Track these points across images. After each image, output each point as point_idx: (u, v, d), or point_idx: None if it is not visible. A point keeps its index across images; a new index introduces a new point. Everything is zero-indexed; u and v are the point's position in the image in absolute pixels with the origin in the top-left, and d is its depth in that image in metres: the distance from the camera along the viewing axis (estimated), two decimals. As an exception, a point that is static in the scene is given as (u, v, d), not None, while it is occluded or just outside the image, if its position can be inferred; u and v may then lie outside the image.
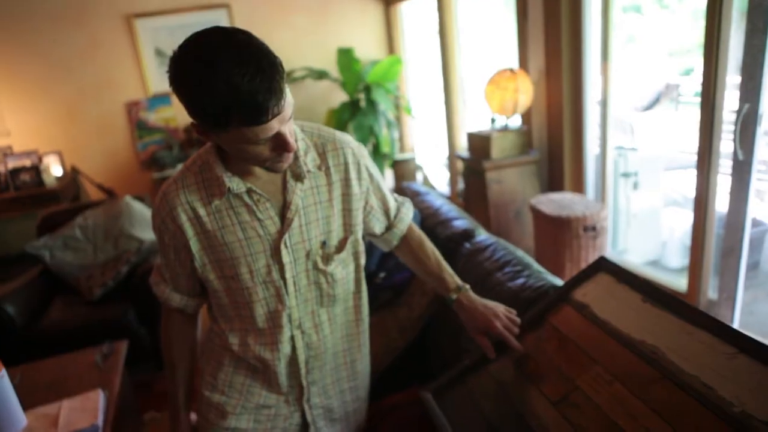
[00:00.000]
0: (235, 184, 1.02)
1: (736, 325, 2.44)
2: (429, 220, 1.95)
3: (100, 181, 4.47)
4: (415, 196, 2.22)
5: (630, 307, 1.08)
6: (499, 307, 1.19)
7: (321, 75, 4.64)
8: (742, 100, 2.21)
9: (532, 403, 1.04)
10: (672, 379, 0.90)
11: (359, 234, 1.18)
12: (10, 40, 4.26)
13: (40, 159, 4.27)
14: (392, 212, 1.26)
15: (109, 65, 4.53)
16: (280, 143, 0.92)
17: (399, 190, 2.46)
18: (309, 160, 1.07)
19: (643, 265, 3.19)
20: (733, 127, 2.23)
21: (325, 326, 1.18)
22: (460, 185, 3.89)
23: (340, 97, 4.80)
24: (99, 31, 4.43)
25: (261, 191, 1.05)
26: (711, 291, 2.55)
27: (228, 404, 1.17)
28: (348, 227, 1.14)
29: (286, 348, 1.14)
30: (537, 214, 2.77)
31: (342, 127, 4.49)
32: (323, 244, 1.11)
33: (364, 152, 1.17)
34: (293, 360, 1.16)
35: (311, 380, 1.20)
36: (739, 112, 2.22)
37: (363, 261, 1.23)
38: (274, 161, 0.96)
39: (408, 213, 1.29)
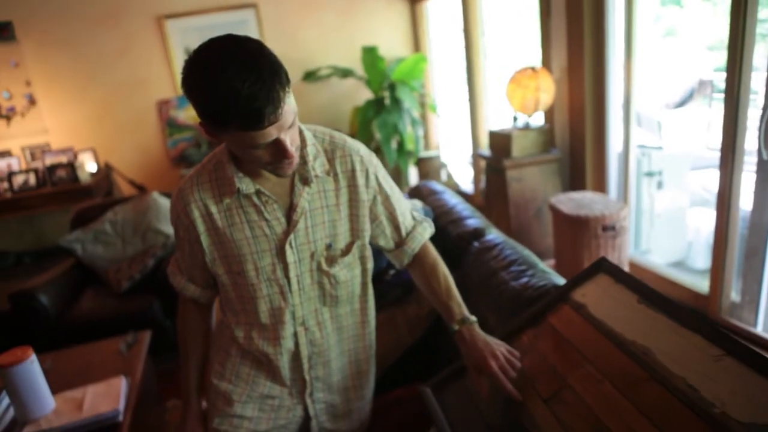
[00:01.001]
0: (244, 185, 1.07)
1: (759, 329, 2.39)
2: (442, 218, 1.97)
3: (132, 177, 4.62)
4: (430, 195, 2.25)
5: (625, 307, 1.09)
6: (500, 347, 1.12)
7: (346, 73, 4.69)
8: (768, 97, 2.16)
9: (525, 399, 1.06)
10: (660, 380, 0.91)
11: (366, 239, 1.21)
12: (50, 42, 4.44)
13: (75, 156, 4.44)
14: (404, 229, 1.26)
15: (141, 65, 4.68)
16: (279, 150, 0.96)
17: (415, 188, 2.48)
18: (317, 165, 1.11)
19: (667, 266, 3.13)
20: (758, 125, 2.19)
21: (328, 324, 1.22)
22: (483, 184, 3.89)
23: (365, 94, 4.84)
24: (132, 32, 4.58)
25: (269, 193, 1.09)
26: (734, 293, 2.50)
27: (234, 392, 1.22)
28: (355, 232, 1.18)
29: (288, 343, 1.19)
30: (556, 213, 2.76)
31: (367, 124, 4.54)
32: (328, 246, 1.15)
33: (374, 161, 1.20)
34: (296, 355, 1.21)
35: (314, 376, 1.25)
36: (764, 110, 2.17)
37: (370, 266, 1.26)
38: (275, 166, 1.01)
39: (423, 233, 1.28)
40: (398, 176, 4.85)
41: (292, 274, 1.14)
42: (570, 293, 1.22)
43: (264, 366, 1.23)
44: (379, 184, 1.19)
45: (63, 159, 4.35)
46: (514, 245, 1.58)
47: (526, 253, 1.53)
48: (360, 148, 1.18)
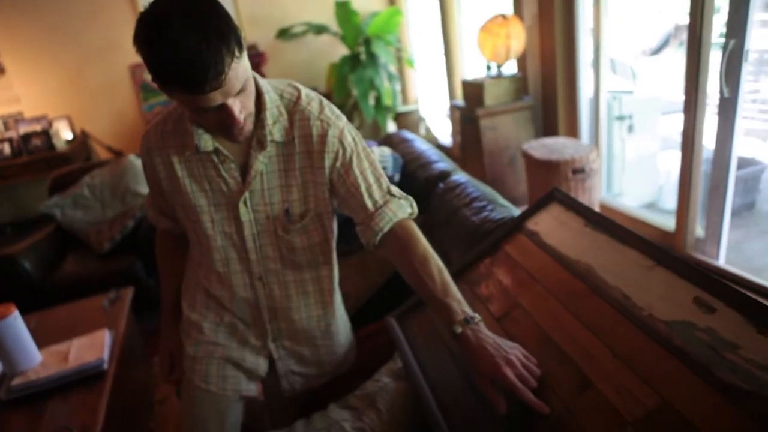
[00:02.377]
0: (203, 142, 1.07)
1: (721, 262, 2.49)
2: (411, 164, 2.01)
3: (109, 143, 4.59)
4: (401, 143, 2.28)
5: (573, 231, 1.15)
6: (514, 350, 0.93)
7: (320, 29, 4.63)
8: (728, 35, 2.19)
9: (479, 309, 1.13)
10: (598, 292, 0.98)
11: (326, 209, 1.17)
12: (13, 7, 4.32)
13: (50, 124, 4.39)
14: (371, 203, 1.12)
15: (111, 28, 4.58)
16: (226, 116, 0.95)
17: (387, 137, 2.51)
18: (276, 130, 1.08)
19: (639, 207, 3.22)
20: (720, 63, 2.23)
21: (291, 287, 1.23)
22: (460, 136, 3.92)
23: (341, 50, 4.80)
24: (98, -6, 4.47)
25: (227, 152, 1.09)
26: (699, 229, 2.59)
27: (204, 322, 1.27)
28: (310, 200, 1.14)
29: (242, 292, 1.22)
30: (528, 159, 2.81)
31: (343, 81, 4.51)
32: (286, 211, 1.14)
33: (340, 124, 1.11)
34: (255, 305, 1.24)
35: (276, 327, 1.27)
36: (724, 48, 2.21)
37: (332, 236, 1.23)
38: (225, 132, 1.01)
39: (398, 211, 1.12)
40: (377, 132, 4.86)
41: (247, 232, 1.15)
42: (524, 223, 1.28)
43: (224, 305, 1.27)
44: (344, 150, 1.10)
45: (37, 127, 4.31)
46: (477, 184, 1.63)
47: (488, 190, 1.58)
48: (323, 111, 1.11)
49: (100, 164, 3.35)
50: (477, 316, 0.97)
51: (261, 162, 1.09)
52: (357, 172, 1.11)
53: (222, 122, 0.97)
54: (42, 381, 1.67)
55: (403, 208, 1.13)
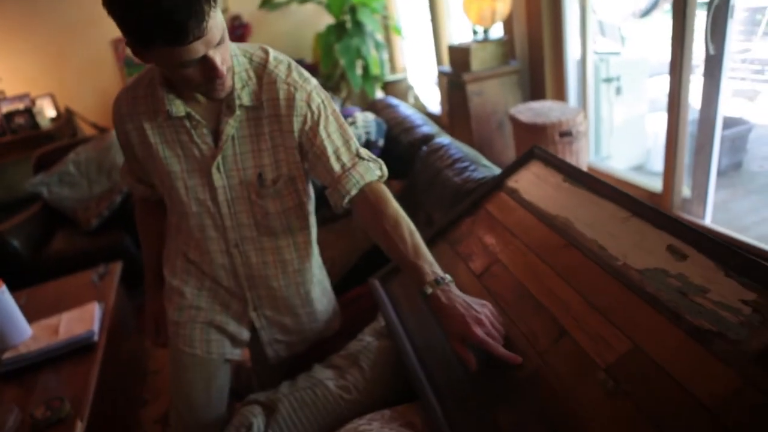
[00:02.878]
0: (175, 107, 1.06)
1: (707, 221, 2.51)
2: (395, 128, 2.00)
3: (95, 120, 4.54)
4: (385, 108, 2.26)
5: (552, 187, 1.16)
6: (484, 308, 0.95)
7: (305, -2, 4.54)
8: (713, -9, 2.17)
9: (460, 277, 1.13)
10: (575, 244, 0.99)
11: (298, 172, 1.16)
12: (-12, -19, 4.22)
13: (32, 102, 4.33)
14: (338, 166, 1.10)
15: (92, 2, 4.45)
16: (208, 68, 0.94)
17: (372, 104, 2.49)
18: (245, 94, 1.07)
19: (628, 170, 3.22)
20: (705, 20, 2.20)
21: (268, 254, 1.23)
22: (448, 103, 3.89)
23: (327, 20, 4.72)
24: (76, -34, 4.36)
25: (199, 117, 1.08)
26: (686, 189, 2.60)
27: (186, 286, 1.27)
28: (282, 164, 1.13)
29: (219, 259, 1.22)
30: (516, 123, 2.80)
31: (329, 50, 4.45)
32: (259, 176, 1.13)
33: (308, 87, 1.10)
34: (234, 273, 1.24)
35: (256, 295, 1.27)
36: (710, 4, 2.18)
37: (308, 200, 1.22)
38: (208, 87, 0.99)
39: (365, 174, 1.10)
40: (365, 102, 4.82)
41: (221, 198, 1.14)
42: (505, 181, 1.28)
43: (206, 272, 1.27)
44: (311, 112, 1.09)
45: (20, 106, 4.25)
46: (459, 146, 1.63)
47: (471, 151, 1.58)
48: (291, 74, 1.09)
49: (85, 141, 3.31)
50: (447, 277, 0.97)
51: (231, 126, 1.09)
52: (324, 135, 1.10)
53: (205, 76, 0.96)
54: (33, 354, 1.68)
55: (372, 171, 1.12)
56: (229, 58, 1.00)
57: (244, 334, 1.32)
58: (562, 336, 0.87)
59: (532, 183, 1.21)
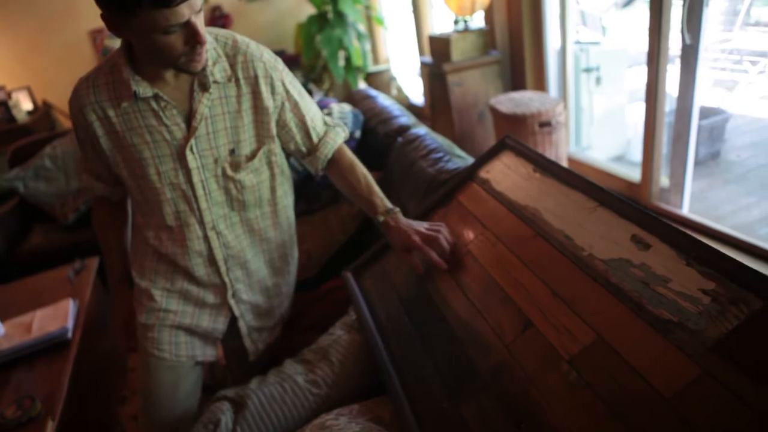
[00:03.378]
0: (141, 88, 1.05)
1: (685, 211, 2.53)
2: (373, 120, 1.98)
3: (73, 113, 4.46)
4: (363, 99, 2.25)
5: (523, 177, 1.15)
6: (422, 225, 1.15)
7: (285, -12, 4.50)
8: (690, -20, 2.17)
9: (431, 270, 1.13)
10: (543, 235, 0.99)
11: (273, 145, 1.21)
12: (-41, -30, 4.12)
13: (8, 95, 4.25)
14: (316, 135, 1.25)
15: (67, -9, 4.40)
16: (191, 34, 0.94)
17: (349, 95, 2.47)
18: (217, 71, 1.08)
19: (608, 160, 3.24)
20: (681, 10, 2.21)
21: (238, 228, 1.24)
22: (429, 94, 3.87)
23: (308, 10, 4.68)
24: (50, -45, 4.27)
25: (167, 98, 1.07)
26: (664, 179, 2.62)
27: (155, 288, 1.25)
28: (260, 138, 1.18)
29: (196, 246, 1.21)
30: (495, 113, 2.79)
31: (311, 41, 4.41)
32: (231, 152, 1.15)
33: (279, 66, 1.17)
34: (212, 258, 1.23)
35: (234, 277, 1.27)
36: (686, -6, 2.19)
37: (280, 170, 1.27)
38: (188, 57, 0.99)
39: (336, 138, 1.27)
40: (347, 92, 4.79)
41: (196, 179, 1.14)
42: (477, 171, 1.28)
43: (179, 265, 1.25)
44: (287, 91, 1.17)
45: (-5, 99, 4.17)
46: (435, 136, 1.62)
47: (446, 142, 1.57)
48: (263, 54, 1.14)
49: (61, 134, 3.26)
50: (396, 209, 1.19)
51: (205, 105, 1.09)
52: (302, 109, 1.21)
53: (187, 43, 0.96)
54: (5, 352, 1.66)
55: (339, 135, 1.29)
56: (204, 30, 1.00)
57: (218, 330, 1.31)
58: (527, 327, 0.86)
59: (503, 173, 1.21)
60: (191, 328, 1.28)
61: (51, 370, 1.62)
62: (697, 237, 0.77)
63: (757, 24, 4.48)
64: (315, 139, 1.24)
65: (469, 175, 1.28)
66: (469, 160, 1.44)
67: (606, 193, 0.94)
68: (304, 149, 1.26)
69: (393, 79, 4.89)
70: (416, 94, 4.79)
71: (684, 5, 2.19)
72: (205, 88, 1.08)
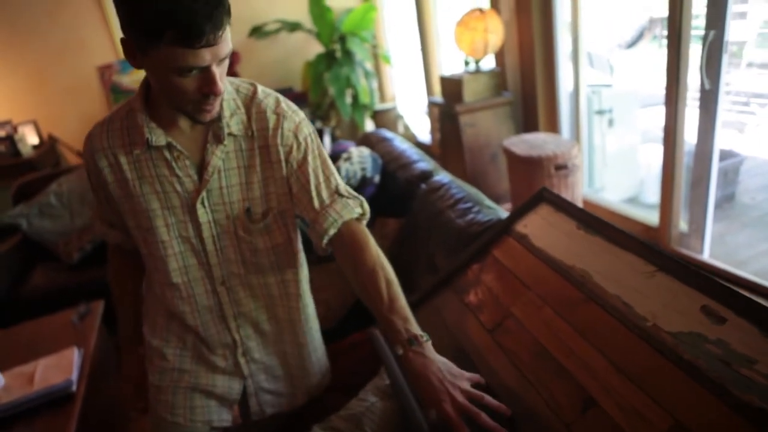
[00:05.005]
0: (155, 136, 1.00)
1: (705, 256, 2.47)
2: (391, 164, 1.94)
3: (80, 148, 4.42)
4: (380, 142, 2.21)
5: (565, 234, 1.09)
6: (460, 381, 0.86)
7: (294, 27, 4.53)
8: (708, 26, 2.17)
9: (469, 331, 1.07)
10: (596, 300, 0.92)
11: (288, 206, 1.11)
12: (-28, 7, 4.14)
13: (14, 129, 4.22)
14: (317, 202, 1.06)
15: (77, 28, 4.41)
16: (207, 81, 0.89)
17: (365, 137, 2.44)
18: (234, 123, 1.03)
19: (621, 202, 3.20)
20: (700, 55, 2.20)
21: (257, 290, 1.16)
22: (440, 134, 3.86)
23: (316, 48, 4.70)
24: (61, -8, 4.30)
25: (181, 147, 1.02)
26: (683, 223, 2.57)
27: (167, 347, 1.18)
28: (271, 197, 1.08)
29: (204, 301, 1.13)
30: (510, 155, 2.76)
31: (319, 79, 4.42)
32: (247, 210, 1.08)
33: (296, 118, 1.07)
34: (221, 315, 1.15)
35: (245, 335, 1.18)
36: (705, 39, 2.18)
37: (296, 236, 1.16)
38: (199, 105, 0.94)
39: (343, 212, 1.05)
40: (354, 131, 4.79)
41: (206, 234, 1.07)
42: (513, 225, 1.22)
43: (187, 325, 1.17)
44: (297, 142, 1.06)
45: (1, 133, 4.13)
46: (461, 184, 1.57)
47: (473, 191, 1.52)
48: (280, 104, 1.07)
49: (68, 171, 3.22)
50: (424, 336, 0.90)
51: (218, 157, 1.03)
52: (309, 168, 1.07)
53: (200, 91, 0.91)
54: (5, 407, 1.56)
55: (349, 209, 1.07)
56: (226, 81, 0.97)
57: (235, 390, 1.22)
58: (589, 406, 0.79)
59: (543, 229, 1.15)
60: (207, 389, 1.20)
61: (53, 427, 1.53)
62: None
63: (762, 66, 4.51)
64: (317, 205, 1.06)
65: (504, 228, 1.23)
66: (500, 211, 1.39)
67: (665, 257, 0.88)
68: (307, 217, 1.08)
69: (400, 117, 4.89)
70: (423, 132, 4.79)
71: (703, 51, 2.18)
72: (219, 139, 1.02)
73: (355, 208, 1.09)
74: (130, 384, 1.31)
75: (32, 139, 4.31)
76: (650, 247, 0.92)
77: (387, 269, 1.00)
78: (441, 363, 0.87)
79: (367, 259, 1.00)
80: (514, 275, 1.11)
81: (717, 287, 0.79)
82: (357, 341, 1.47)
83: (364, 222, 1.10)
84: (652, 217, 2.70)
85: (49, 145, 4.36)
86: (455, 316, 1.13)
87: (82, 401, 1.61)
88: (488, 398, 0.84)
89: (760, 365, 0.68)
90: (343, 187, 1.11)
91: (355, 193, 1.12)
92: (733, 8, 2.11)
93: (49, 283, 2.79)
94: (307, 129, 1.09)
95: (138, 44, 0.87)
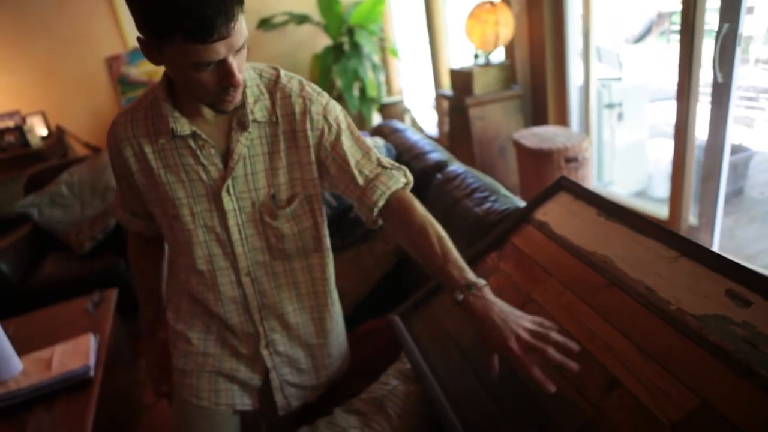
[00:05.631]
0: (180, 125, 1.00)
1: (715, 250, 2.48)
2: (405, 155, 1.95)
3: (87, 139, 4.45)
4: (392, 133, 2.22)
5: (585, 221, 1.10)
6: (523, 320, 0.85)
7: (302, 19, 4.53)
8: (722, 20, 2.16)
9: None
10: (618, 284, 0.93)
11: (315, 190, 1.10)
12: (-20, -2, 4.15)
13: (23, 119, 4.24)
14: (362, 178, 1.06)
15: (84, 20, 4.42)
16: (225, 74, 0.88)
17: (377, 128, 2.45)
18: (257, 109, 1.02)
19: (630, 195, 3.21)
20: (713, 48, 2.20)
21: (281, 278, 1.15)
22: (448, 126, 3.86)
23: (324, 41, 4.70)
24: (68, -16, 4.31)
25: (206, 136, 1.02)
26: (692, 217, 2.58)
27: (192, 331, 1.19)
28: (297, 182, 1.08)
29: (229, 291, 1.13)
30: (520, 148, 2.77)
31: (326, 71, 4.43)
32: (273, 196, 1.07)
33: (323, 100, 1.07)
34: (245, 306, 1.15)
35: (269, 327, 1.18)
36: (718, 33, 2.18)
37: (322, 220, 1.16)
38: (220, 96, 0.93)
39: (389, 182, 1.06)
40: (362, 123, 4.79)
41: (231, 222, 1.07)
42: (532, 213, 1.23)
43: (211, 310, 1.17)
44: (328, 125, 1.05)
45: (10, 123, 4.15)
46: (476, 174, 1.58)
47: (489, 180, 1.53)
48: (305, 88, 1.06)
49: (78, 161, 3.23)
50: (481, 282, 0.91)
51: (243, 145, 1.03)
52: (345, 148, 1.06)
53: (219, 84, 0.90)
54: (24, 391, 1.58)
55: (395, 179, 1.07)
56: (245, 69, 0.96)
57: (256, 380, 1.23)
58: (614, 386, 0.81)
59: (563, 216, 1.16)
60: (230, 373, 1.20)
61: (72, 411, 1.54)
62: None
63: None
64: (361, 181, 1.05)
65: (523, 216, 1.24)
66: (517, 200, 1.40)
67: (689, 243, 0.89)
68: (352, 195, 1.08)
69: (407, 110, 4.89)
70: (430, 125, 4.79)
71: (716, 44, 2.18)
72: (243, 127, 1.02)
73: (401, 178, 1.09)
74: (154, 368, 1.32)
75: (41, 130, 4.33)
76: (672, 232, 0.93)
77: (436, 226, 1.01)
78: (502, 304, 0.88)
79: (416, 219, 1.02)
80: (534, 262, 1.12)
81: (743, 271, 0.80)
82: (372, 329, 1.49)
83: (409, 189, 1.11)
84: (661, 211, 2.70)
85: (57, 136, 4.38)
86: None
87: (99, 387, 1.63)
88: (554, 334, 0.84)
89: (787, 346, 0.69)
90: (385, 160, 1.11)
91: (397, 164, 1.12)
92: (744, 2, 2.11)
93: (60, 271, 2.80)
94: (336, 109, 1.08)
95: (153, 43, 0.86)
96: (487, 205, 1.39)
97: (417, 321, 1.23)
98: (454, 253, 0.97)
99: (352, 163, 1.06)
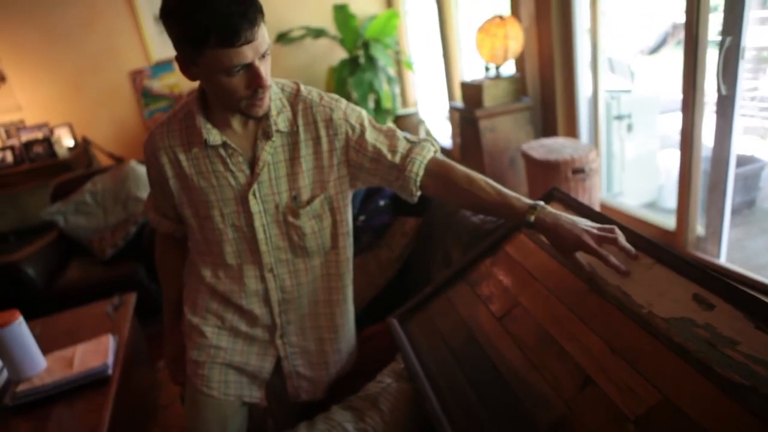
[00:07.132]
0: (212, 136, 1.12)
1: (722, 260, 2.49)
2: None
3: (111, 150, 4.61)
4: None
5: (572, 230, 1.16)
6: (585, 223, 1.01)
7: (319, 33, 4.65)
8: (725, 33, 2.20)
9: (480, 319, 1.14)
10: (597, 290, 0.99)
11: (335, 190, 1.20)
12: (12, 16, 4.34)
13: (51, 131, 4.41)
14: (399, 157, 1.14)
15: (111, 35, 4.60)
16: (253, 77, 0.99)
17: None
18: (280, 120, 1.14)
19: (640, 207, 3.22)
20: (717, 61, 2.23)
21: (302, 275, 1.26)
22: (459, 138, 3.92)
23: (340, 54, 4.82)
24: (97, 1, 4.48)
25: (235, 145, 1.14)
26: (699, 228, 2.60)
27: (206, 325, 1.28)
28: (319, 184, 1.18)
29: (252, 285, 1.24)
30: (528, 159, 2.82)
31: (342, 84, 4.53)
32: (294, 198, 1.18)
33: (341, 105, 1.17)
34: (266, 299, 1.26)
35: (285, 320, 1.29)
36: (721, 45, 2.22)
37: (343, 217, 1.24)
38: (250, 100, 1.04)
39: (422, 152, 1.15)
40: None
41: (257, 223, 1.18)
42: (524, 222, 1.28)
43: (231, 303, 1.27)
44: (351, 127, 1.15)
45: (39, 135, 4.32)
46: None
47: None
48: (323, 98, 1.17)
49: (102, 171, 3.37)
50: (540, 203, 1.06)
51: (268, 152, 1.14)
52: (372, 140, 1.16)
53: (249, 87, 1.00)
54: (47, 387, 1.68)
55: (427, 148, 1.17)
56: (270, 75, 1.05)
57: (266, 369, 1.32)
58: (587, 384, 0.86)
59: (552, 225, 1.22)
60: (241, 366, 1.30)
61: (91, 407, 1.64)
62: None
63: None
64: (398, 160, 1.14)
65: (516, 226, 1.29)
66: (513, 209, 1.46)
67: (663, 250, 0.95)
68: (390, 177, 1.17)
69: (421, 122, 4.97)
70: (444, 137, 4.86)
71: (719, 57, 2.22)
72: (268, 136, 1.13)
73: (430, 147, 1.18)
74: (171, 358, 1.43)
75: (68, 141, 4.50)
76: (650, 240, 0.98)
77: (478, 174, 1.12)
78: (566, 215, 1.04)
79: (459, 174, 1.13)
80: (523, 268, 1.17)
81: (709, 277, 0.85)
82: (375, 333, 1.55)
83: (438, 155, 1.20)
84: (670, 222, 2.72)
85: (83, 147, 4.55)
86: (468, 306, 1.20)
87: (116, 385, 1.72)
88: (621, 240, 0.98)
89: (743, 346, 0.74)
90: (411, 136, 1.20)
91: (423, 136, 1.21)
92: (757, 14, 2.13)
93: (83, 276, 2.93)
94: (356, 110, 1.18)
95: (188, 56, 0.99)
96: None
97: (413, 324, 1.29)
98: (506, 190, 1.10)
99: (384, 149, 1.15)
